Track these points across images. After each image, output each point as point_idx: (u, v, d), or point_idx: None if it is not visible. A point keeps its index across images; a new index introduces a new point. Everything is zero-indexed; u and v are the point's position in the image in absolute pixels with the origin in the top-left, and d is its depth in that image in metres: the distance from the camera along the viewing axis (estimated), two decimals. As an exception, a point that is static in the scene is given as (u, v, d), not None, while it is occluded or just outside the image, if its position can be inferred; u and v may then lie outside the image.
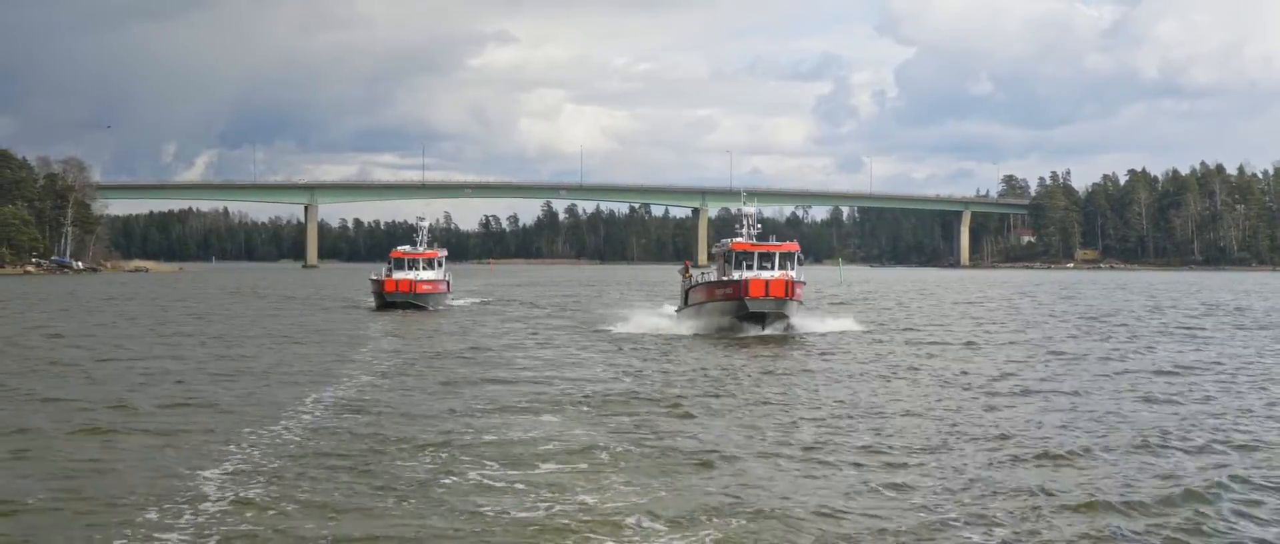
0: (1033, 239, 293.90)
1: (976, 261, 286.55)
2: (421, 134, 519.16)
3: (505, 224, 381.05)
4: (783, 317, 48.36)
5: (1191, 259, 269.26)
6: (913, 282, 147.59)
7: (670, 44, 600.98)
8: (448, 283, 74.49)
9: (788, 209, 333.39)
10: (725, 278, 49.93)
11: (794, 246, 51.57)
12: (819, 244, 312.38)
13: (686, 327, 50.98)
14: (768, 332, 47.82)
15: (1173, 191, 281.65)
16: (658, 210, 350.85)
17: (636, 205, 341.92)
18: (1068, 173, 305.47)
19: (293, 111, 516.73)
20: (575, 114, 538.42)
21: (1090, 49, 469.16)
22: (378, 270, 73.62)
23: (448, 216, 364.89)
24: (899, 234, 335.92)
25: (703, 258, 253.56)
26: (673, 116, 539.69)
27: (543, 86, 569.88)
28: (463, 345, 43.40)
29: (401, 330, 52.19)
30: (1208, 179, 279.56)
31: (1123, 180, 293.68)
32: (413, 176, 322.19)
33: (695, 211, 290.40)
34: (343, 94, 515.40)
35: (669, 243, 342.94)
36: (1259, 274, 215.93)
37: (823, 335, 48.28)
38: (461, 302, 77.61)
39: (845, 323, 53.91)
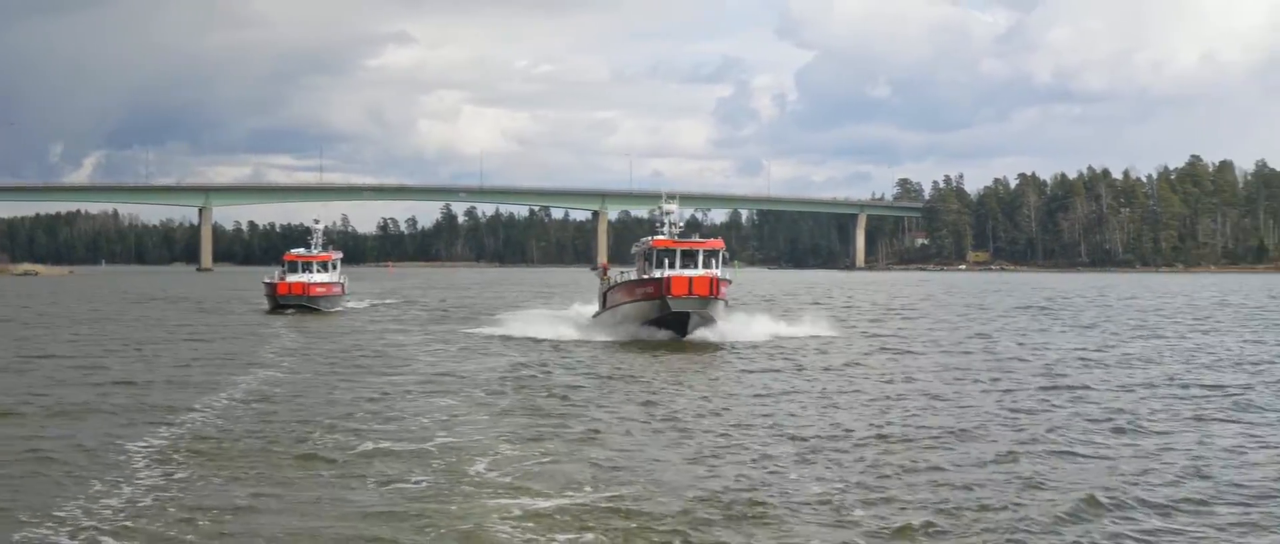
0: (926, 241, 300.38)
1: (872, 264, 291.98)
2: (318, 135, 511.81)
3: (403, 227, 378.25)
4: (708, 319, 45.51)
5: (1079, 261, 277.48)
6: (805, 283, 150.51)
7: (572, 46, 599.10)
8: (342, 285, 74.71)
9: (687, 212, 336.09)
10: (645, 277, 47.06)
11: (718, 244, 48.74)
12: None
13: (601, 333, 48.05)
14: (692, 336, 44.98)
15: (1061, 195, 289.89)
16: (557, 213, 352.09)
17: (536, 208, 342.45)
18: (961, 176, 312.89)
19: (185, 111, 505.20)
20: (475, 116, 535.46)
21: (986, 54, 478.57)
22: (272, 273, 73.69)
23: (345, 219, 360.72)
24: (797, 236, 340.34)
25: (603, 259, 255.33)
26: (574, 119, 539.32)
27: (442, 88, 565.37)
28: (353, 343, 44.36)
29: (297, 328, 52.76)
30: (1094, 183, 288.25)
31: (1013, 183, 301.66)
32: (309, 178, 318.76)
33: (595, 214, 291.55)
34: (237, 94, 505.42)
35: (568, 245, 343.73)
36: (1140, 275, 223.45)
37: (753, 346, 43.13)
38: (357, 304, 78.01)
39: (780, 327, 50.75)
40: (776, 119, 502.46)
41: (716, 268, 47.00)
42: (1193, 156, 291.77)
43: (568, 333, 49.07)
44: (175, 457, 18.97)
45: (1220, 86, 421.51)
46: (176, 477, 17.51)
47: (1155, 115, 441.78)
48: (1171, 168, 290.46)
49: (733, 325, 47.78)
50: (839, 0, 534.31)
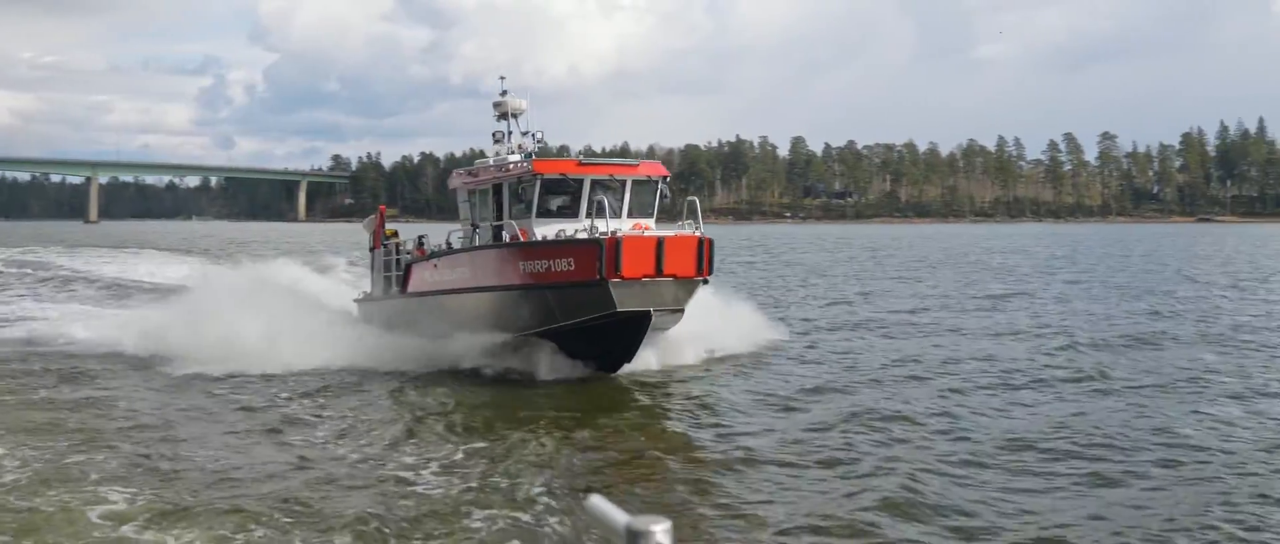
0: (351, 201, 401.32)
1: (311, 218, 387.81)
2: None
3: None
4: (671, 321, 23.92)
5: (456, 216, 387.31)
6: (257, 233, 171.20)
7: (74, 42, 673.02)
8: None
9: (166, 178, 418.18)
10: (543, 239, 24.23)
11: (659, 169, 26.63)
12: (190, 205, 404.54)
13: (388, 349, 26.56)
14: (629, 363, 24.32)
15: (451, 167, 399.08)
16: (57, 178, 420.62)
17: (37, 174, 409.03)
18: (379, 153, 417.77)
19: None
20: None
21: (413, 61, 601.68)
22: None
23: None
24: (256, 197, 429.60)
25: (93, 214, 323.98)
26: (73, 101, 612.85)
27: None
28: None
29: None
30: (473, 159, 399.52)
31: (417, 159, 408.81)
32: None
33: (88, 179, 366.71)
34: None
35: (66, 203, 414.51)
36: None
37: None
38: None
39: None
40: (247, 105, 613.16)
41: (652, 214, 26.02)
42: (561, 145, 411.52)
43: (309, 334, 27.24)
44: None
45: (581, 89, 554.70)
46: None
47: (537, 109, 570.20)
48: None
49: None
50: (298, 14, 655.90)
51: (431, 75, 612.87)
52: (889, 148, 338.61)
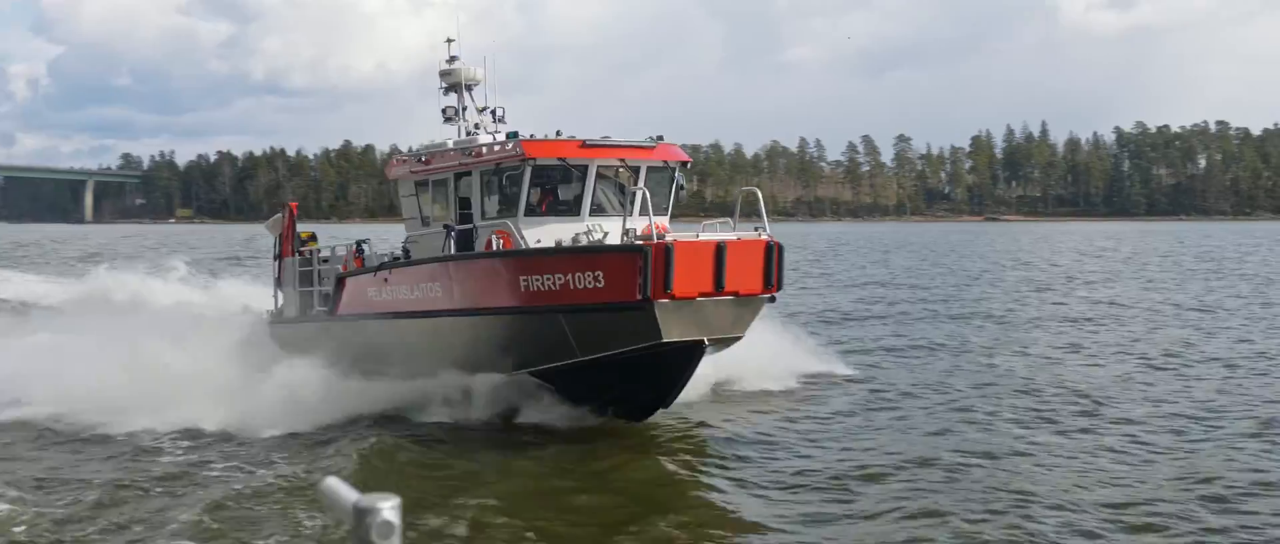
0: (143, 201, 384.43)
1: (99, 219, 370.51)
2: None
3: None
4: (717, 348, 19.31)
5: (257, 217, 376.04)
6: (40, 236, 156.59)
7: None
8: None
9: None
10: (558, 244, 19.69)
11: (680, 154, 21.69)
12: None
13: (314, 385, 21.09)
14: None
15: (250, 167, 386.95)
16: None
17: None
18: (173, 151, 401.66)
19: None
20: None
21: (211, 56, 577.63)
22: None
23: None
24: (39, 197, 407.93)
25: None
26: None
27: None
28: None
29: None
30: (274, 158, 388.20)
31: (214, 158, 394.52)
32: None
33: None
34: None
35: None
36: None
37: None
38: None
39: None
40: (30, 100, 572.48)
41: (669, 209, 21.46)
42: (345, 140, 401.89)
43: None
44: None
45: (389, 87, 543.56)
46: None
47: (343, 107, 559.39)
48: (331, 148, 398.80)
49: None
50: (86, 4, 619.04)
51: (231, 71, 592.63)
52: (696, 149, 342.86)
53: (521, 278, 19.16)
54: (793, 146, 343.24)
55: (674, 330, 18.05)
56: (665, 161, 21.38)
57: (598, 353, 18.98)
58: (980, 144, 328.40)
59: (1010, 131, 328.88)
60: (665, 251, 17.53)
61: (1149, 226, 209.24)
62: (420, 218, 22.97)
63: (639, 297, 17.70)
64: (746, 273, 18.32)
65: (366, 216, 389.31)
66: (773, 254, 18.58)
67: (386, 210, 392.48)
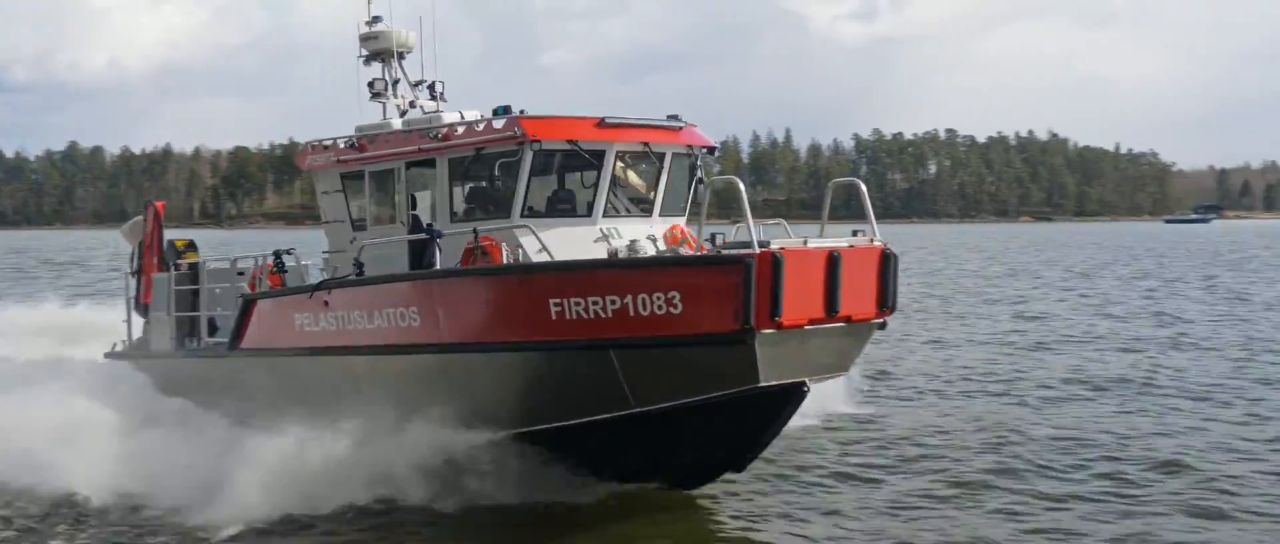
0: None
1: None
2: None
3: None
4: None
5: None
6: None
7: None
8: None
9: None
10: (613, 255, 14.86)
11: (706, 139, 17.88)
12: None
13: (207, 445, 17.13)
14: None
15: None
16: None
17: None
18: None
19: None
20: None
21: None
22: None
23: None
24: None
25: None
26: None
27: None
28: None
29: None
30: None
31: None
32: None
33: None
34: None
35: None
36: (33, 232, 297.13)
37: None
38: None
39: None
40: None
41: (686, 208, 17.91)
42: (71, 141, 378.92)
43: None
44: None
45: (124, 85, 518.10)
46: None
47: (70, 106, 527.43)
48: (56, 150, 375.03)
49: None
50: None
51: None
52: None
53: (554, 301, 14.39)
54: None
55: (773, 371, 13.82)
56: (690, 147, 17.39)
57: (662, 402, 14.53)
58: (728, 149, 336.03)
59: (756, 137, 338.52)
60: (773, 264, 13.28)
61: (888, 230, 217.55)
62: (349, 221, 18.35)
63: (738, 326, 13.38)
64: (861, 291, 14.48)
65: (93, 222, 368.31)
66: (889, 265, 14.96)
67: (117, 216, 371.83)
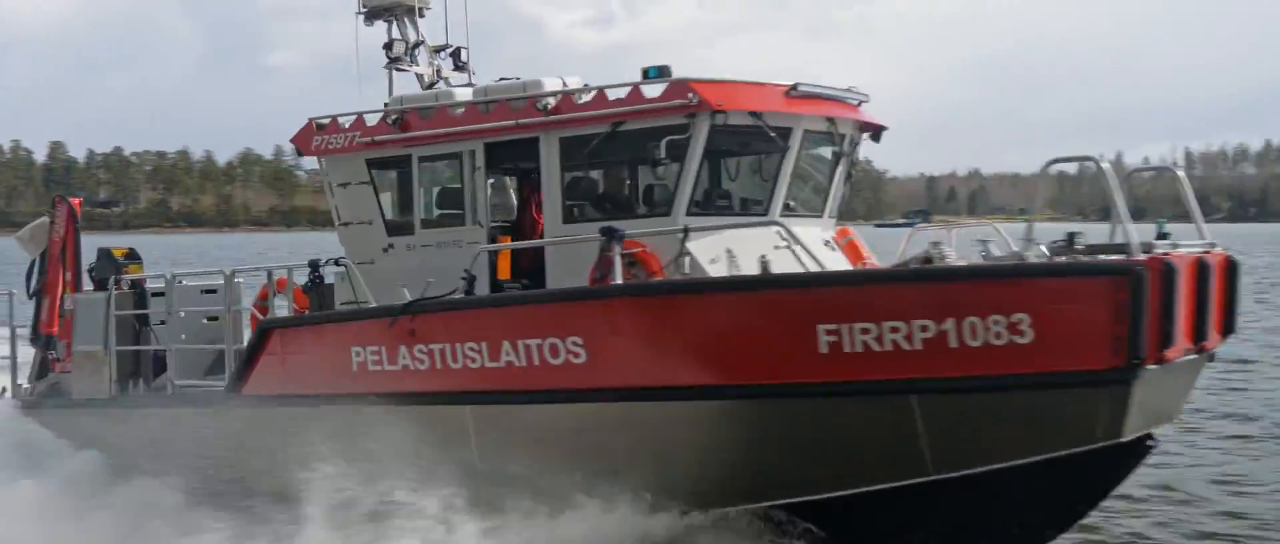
0: None
1: None
2: None
3: None
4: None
5: None
6: None
7: None
8: None
9: None
10: (904, 265, 11.37)
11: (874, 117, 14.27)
12: None
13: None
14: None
15: None
16: None
17: None
18: None
19: None
20: None
21: None
22: None
23: None
24: None
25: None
26: None
27: None
28: None
29: None
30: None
31: None
32: None
33: None
34: None
35: None
36: None
37: None
38: None
39: None
40: None
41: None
42: None
43: None
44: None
45: None
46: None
47: None
48: None
49: None
50: None
51: None
52: (161, 155, 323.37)
53: (826, 328, 10.65)
54: (267, 154, 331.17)
55: (1138, 420, 10.56)
56: (867, 127, 14.00)
57: (972, 467, 10.85)
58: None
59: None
60: (1166, 276, 9.96)
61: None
62: (383, 222, 14.59)
63: (1121, 360, 9.95)
64: (1217, 311, 11.10)
65: None
66: (1236, 278, 11.49)
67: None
